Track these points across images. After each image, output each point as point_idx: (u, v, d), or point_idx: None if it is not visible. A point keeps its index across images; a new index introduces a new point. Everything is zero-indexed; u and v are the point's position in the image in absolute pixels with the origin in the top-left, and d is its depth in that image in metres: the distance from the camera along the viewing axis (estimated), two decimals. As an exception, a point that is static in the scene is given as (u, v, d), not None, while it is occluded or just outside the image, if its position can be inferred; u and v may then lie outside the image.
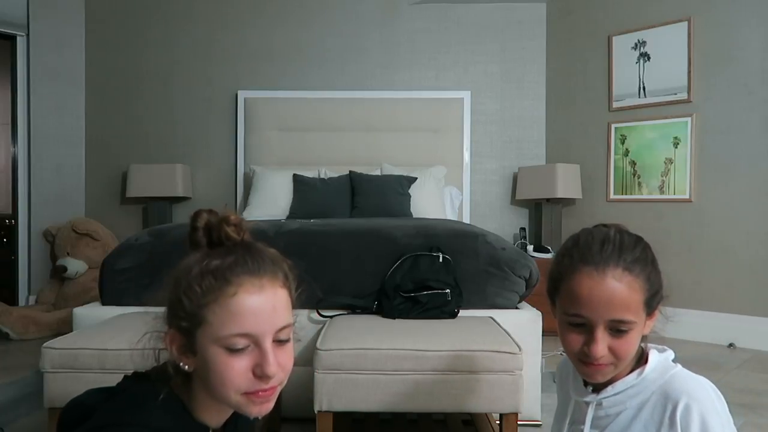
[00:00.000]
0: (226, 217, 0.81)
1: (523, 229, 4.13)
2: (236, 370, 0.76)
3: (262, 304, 0.77)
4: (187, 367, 0.80)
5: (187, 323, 0.78)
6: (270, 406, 0.81)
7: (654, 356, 0.93)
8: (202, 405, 0.83)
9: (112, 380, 0.89)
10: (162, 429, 0.78)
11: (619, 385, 0.92)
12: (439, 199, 3.80)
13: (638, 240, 0.91)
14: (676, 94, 3.56)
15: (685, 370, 0.92)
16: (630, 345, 0.87)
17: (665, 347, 0.95)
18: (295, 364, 2.20)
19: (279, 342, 0.80)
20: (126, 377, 0.87)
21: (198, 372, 0.80)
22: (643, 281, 0.87)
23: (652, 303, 0.89)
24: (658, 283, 0.90)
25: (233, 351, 0.76)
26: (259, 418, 0.83)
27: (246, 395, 0.78)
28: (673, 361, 0.93)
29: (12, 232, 4.08)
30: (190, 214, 0.84)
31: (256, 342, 0.77)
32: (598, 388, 0.96)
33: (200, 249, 0.82)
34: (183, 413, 0.82)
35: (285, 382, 0.82)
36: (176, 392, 0.83)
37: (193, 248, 0.83)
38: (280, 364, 0.79)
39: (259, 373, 0.77)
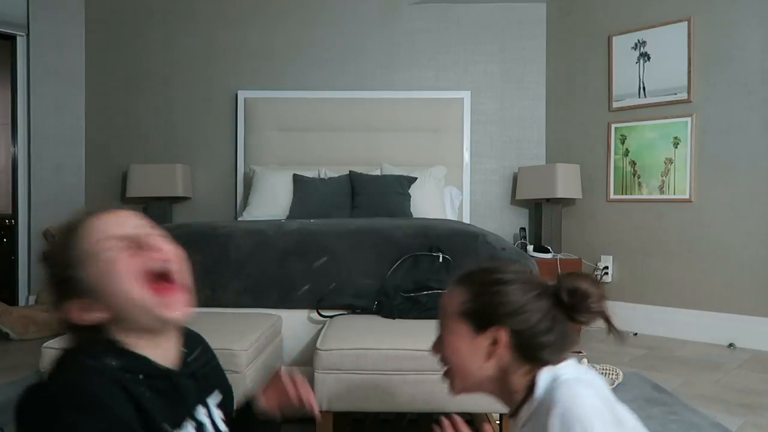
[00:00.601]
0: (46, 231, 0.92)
1: (523, 229, 4.13)
2: (129, 262, 0.83)
3: (117, 217, 0.87)
4: (106, 315, 0.83)
5: (83, 282, 0.82)
6: (182, 307, 0.86)
7: (541, 376, 0.89)
8: (140, 345, 0.85)
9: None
10: (125, 367, 0.81)
11: (522, 412, 0.91)
12: (439, 199, 3.80)
13: (488, 269, 0.99)
14: (676, 94, 3.56)
15: (565, 384, 0.85)
16: (447, 348, 0.98)
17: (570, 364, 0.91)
18: (294, 364, 2.18)
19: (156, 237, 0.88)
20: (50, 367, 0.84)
21: (114, 310, 0.83)
22: (467, 294, 0.95)
23: (481, 320, 0.93)
24: (495, 305, 0.92)
25: (119, 253, 0.83)
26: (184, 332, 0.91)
27: (154, 292, 0.83)
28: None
29: (12, 232, 4.08)
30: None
31: (134, 241, 0.84)
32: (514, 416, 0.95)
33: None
34: (136, 354, 0.85)
35: (184, 274, 0.88)
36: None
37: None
38: (164, 249, 0.86)
39: (146, 250, 0.84)
